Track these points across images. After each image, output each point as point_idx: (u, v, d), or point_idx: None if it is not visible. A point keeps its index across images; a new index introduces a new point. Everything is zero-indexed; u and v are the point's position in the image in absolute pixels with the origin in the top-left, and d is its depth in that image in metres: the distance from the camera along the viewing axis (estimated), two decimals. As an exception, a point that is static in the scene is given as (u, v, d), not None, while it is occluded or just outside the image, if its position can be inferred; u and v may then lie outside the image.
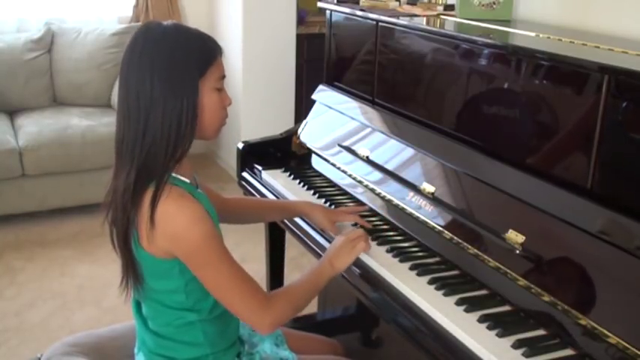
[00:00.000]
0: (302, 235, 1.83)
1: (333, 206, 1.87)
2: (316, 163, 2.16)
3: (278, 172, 2.15)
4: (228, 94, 1.38)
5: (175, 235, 1.27)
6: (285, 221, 1.92)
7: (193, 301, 1.37)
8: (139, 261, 1.33)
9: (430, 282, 1.48)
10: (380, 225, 1.76)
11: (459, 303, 1.40)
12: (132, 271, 1.35)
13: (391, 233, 1.72)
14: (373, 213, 1.81)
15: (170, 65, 1.27)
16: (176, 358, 1.41)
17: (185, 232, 1.26)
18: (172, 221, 1.26)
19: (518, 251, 1.41)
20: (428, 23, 2.04)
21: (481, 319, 1.34)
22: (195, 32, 1.33)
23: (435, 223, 1.62)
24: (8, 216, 3.51)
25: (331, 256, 1.49)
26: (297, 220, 1.87)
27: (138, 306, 1.47)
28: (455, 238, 1.55)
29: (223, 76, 1.35)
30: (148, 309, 1.42)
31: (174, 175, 1.31)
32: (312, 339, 1.73)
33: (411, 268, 1.54)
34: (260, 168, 2.17)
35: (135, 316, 1.47)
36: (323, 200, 1.92)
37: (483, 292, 1.45)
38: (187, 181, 1.35)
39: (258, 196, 2.08)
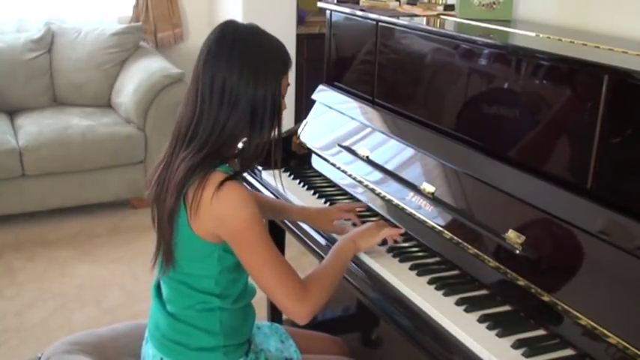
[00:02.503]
0: (302, 235, 1.83)
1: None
2: (316, 163, 2.16)
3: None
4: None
5: (223, 216, 1.32)
6: (285, 221, 1.92)
7: (221, 289, 1.41)
8: (180, 241, 1.37)
9: (430, 282, 1.48)
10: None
11: (459, 303, 1.40)
12: (167, 249, 1.38)
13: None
14: (373, 213, 1.81)
15: (260, 61, 1.35)
16: (189, 345, 1.43)
17: (233, 214, 1.32)
18: (223, 203, 1.31)
19: (518, 251, 1.41)
20: (428, 23, 2.04)
21: (481, 319, 1.34)
22: (275, 38, 1.43)
23: (435, 223, 1.62)
24: (8, 216, 3.50)
25: (355, 235, 1.54)
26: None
27: (158, 289, 1.50)
28: (455, 238, 1.55)
29: (288, 84, 1.44)
30: (171, 291, 1.44)
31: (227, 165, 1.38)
32: (316, 337, 1.73)
33: (411, 268, 1.54)
34: (260, 168, 2.17)
35: (153, 299, 1.50)
36: (323, 200, 1.92)
37: (483, 292, 1.45)
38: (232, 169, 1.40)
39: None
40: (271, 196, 2.03)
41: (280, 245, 2.35)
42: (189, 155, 1.34)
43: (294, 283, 1.35)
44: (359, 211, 1.78)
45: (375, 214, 1.81)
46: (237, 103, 1.34)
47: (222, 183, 1.31)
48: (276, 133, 1.42)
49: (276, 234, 2.29)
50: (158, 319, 1.47)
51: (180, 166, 1.34)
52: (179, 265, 1.39)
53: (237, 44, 1.35)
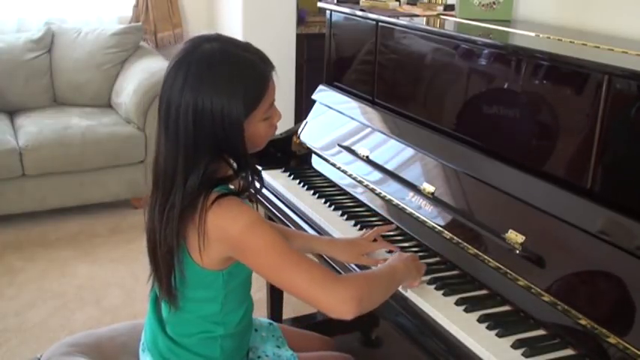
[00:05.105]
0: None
1: (333, 206, 1.87)
2: (316, 163, 2.16)
3: (278, 172, 2.15)
4: (278, 110, 1.34)
5: (222, 234, 1.24)
6: (285, 220, 1.92)
7: (225, 313, 1.36)
8: (182, 274, 1.30)
9: (430, 282, 1.47)
10: (380, 225, 1.76)
11: (459, 303, 1.40)
12: (167, 287, 1.32)
13: (391, 233, 1.71)
14: (373, 213, 1.81)
15: (222, 99, 1.23)
16: None
17: (230, 225, 1.23)
18: (217, 220, 1.24)
19: (518, 251, 1.41)
20: (428, 23, 2.04)
21: (481, 319, 1.34)
22: (248, 58, 1.28)
23: (435, 223, 1.62)
24: (8, 216, 3.50)
25: (409, 262, 1.42)
26: (297, 219, 1.87)
27: (155, 306, 1.45)
28: (455, 238, 1.55)
29: (273, 101, 1.32)
30: (174, 317, 1.38)
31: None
32: (306, 336, 1.73)
33: (411, 268, 1.53)
34: (260, 168, 2.17)
35: (150, 314, 1.45)
36: (323, 200, 1.92)
37: (483, 292, 1.45)
38: (232, 187, 1.32)
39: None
40: (272, 197, 2.03)
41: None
42: (176, 201, 1.25)
43: (323, 273, 1.24)
44: (386, 233, 1.66)
45: (375, 213, 1.81)
46: (226, 132, 1.24)
47: (213, 202, 1.23)
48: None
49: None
50: (156, 335, 1.43)
51: (170, 214, 1.26)
52: (181, 292, 1.33)
53: (205, 71, 1.23)
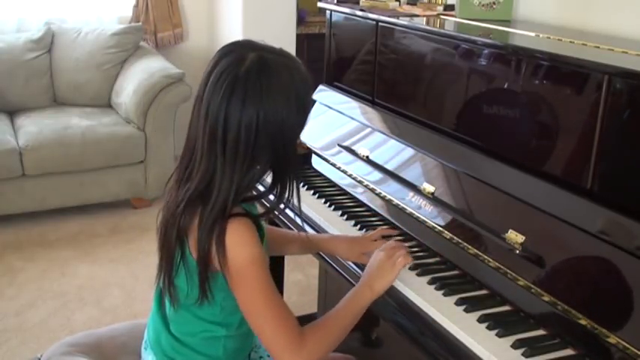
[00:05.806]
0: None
1: (333, 206, 1.87)
2: (316, 163, 2.16)
3: (278, 172, 2.14)
4: None
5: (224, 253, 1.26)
6: (285, 220, 1.92)
7: (225, 315, 1.37)
8: (187, 268, 1.31)
9: (430, 282, 1.47)
10: (380, 225, 1.76)
11: (458, 303, 1.40)
12: (173, 288, 1.34)
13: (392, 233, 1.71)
14: (373, 213, 1.81)
15: (284, 107, 1.26)
16: None
17: (232, 251, 1.25)
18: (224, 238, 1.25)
19: (518, 251, 1.41)
20: (428, 23, 2.04)
21: (481, 319, 1.34)
22: (307, 81, 1.31)
23: (435, 223, 1.62)
24: (8, 216, 3.51)
25: (370, 278, 1.41)
26: (296, 218, 1.87)
27: (160, 303, 1.45)
28: (455, 238, 1.55)
29: None
30: (177, 315, 1.39)
31: None
32: None
33: (411, 268, 1.53)
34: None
35: (154, 312, 1.46)
36: (323, 200, 1.92)
37: (483, 292, 1.45)
38: (248, 207, 1.35)
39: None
40: (272, 197, 2.03)
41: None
42: (204, 215, 1.25)
43: (290, 333, 1.26)
44: (388, 235, 1.64)
45: (375, 213, 1.81)
46: (259, 154, 1.26)
47: (230, 216, 1.25)
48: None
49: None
50: (159, 333, 1.44)
51: (203, 225, 1.25)
52: (181, 289, 1.34)
53: (262, 82, 1.22)
